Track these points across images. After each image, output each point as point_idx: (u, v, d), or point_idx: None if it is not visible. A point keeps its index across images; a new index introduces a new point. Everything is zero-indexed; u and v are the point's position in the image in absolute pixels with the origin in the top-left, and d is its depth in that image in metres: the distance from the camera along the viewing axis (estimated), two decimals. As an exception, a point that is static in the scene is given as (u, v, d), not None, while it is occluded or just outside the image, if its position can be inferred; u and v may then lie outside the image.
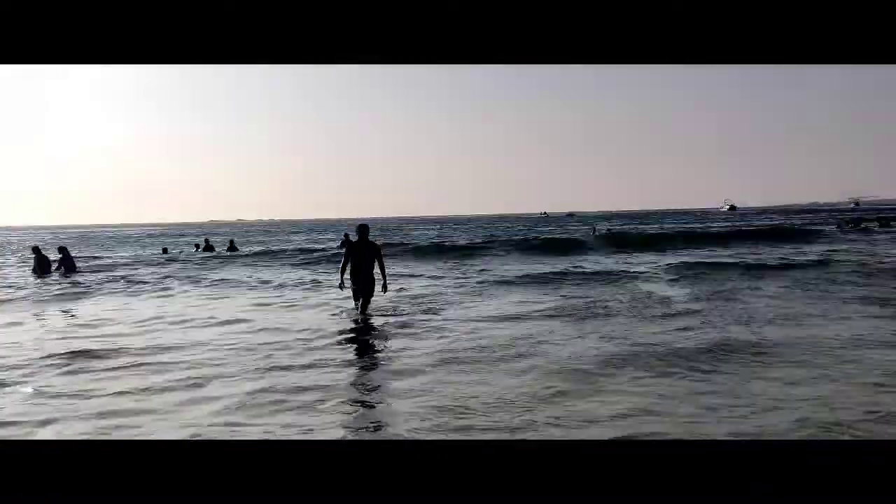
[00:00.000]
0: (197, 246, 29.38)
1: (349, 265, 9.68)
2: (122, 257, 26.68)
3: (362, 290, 9.65)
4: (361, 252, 9.70)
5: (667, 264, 15.64)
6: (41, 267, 18.74)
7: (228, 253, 26.38)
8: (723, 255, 19.28)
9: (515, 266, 17.28)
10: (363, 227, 10.01)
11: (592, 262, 17.70)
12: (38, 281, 17.09)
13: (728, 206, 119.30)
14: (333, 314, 9.78)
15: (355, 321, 9.03)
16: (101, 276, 17.63)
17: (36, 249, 19.73)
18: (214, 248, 28.31)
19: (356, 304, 9.71)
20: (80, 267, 19.93)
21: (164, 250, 28.60)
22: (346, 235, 32.53)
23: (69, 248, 20.87)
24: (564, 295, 11.18)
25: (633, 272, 14.47)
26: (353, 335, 8.07)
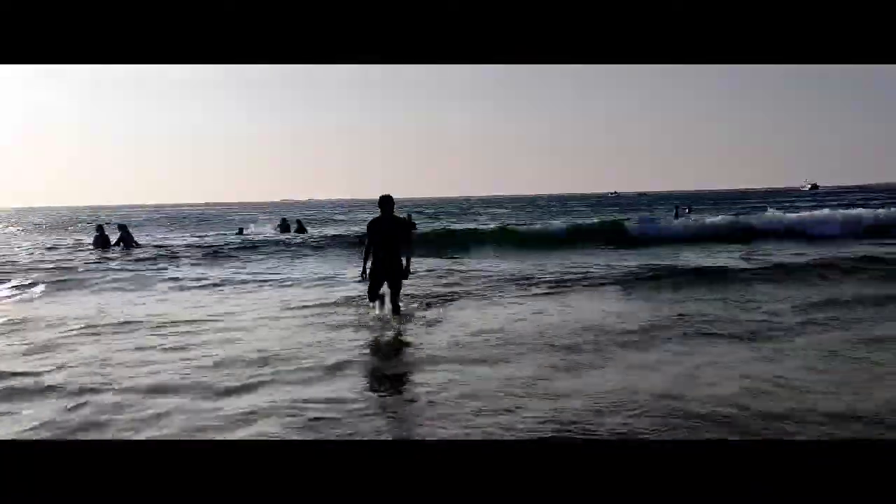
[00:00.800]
0: (279, 227, 29.44)
1: (372, 249, 7.81)
2: (192, 238, 26.79)
3: (389, 278, 7.78)
4: (387, 231, 7.75)
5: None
6: (102, 243, 20.23)
7: (298, 235, 26.05)
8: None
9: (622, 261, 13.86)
10: (385, 200, 7.82)
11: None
12: (101, 256, 18.26)
13: (810, 186, 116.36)
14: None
15: (379, 326, 7.38)
16: (162, 251, 18.36)
17: (100, 227, 21.46)
18: (290, 228, 28.20)
19: (371, 298, 7.84)
20: (140, 244, 21.25)
21: (240, 230, 28.13)
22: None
23: (129, 226, 22.49)
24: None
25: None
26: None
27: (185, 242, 23.30)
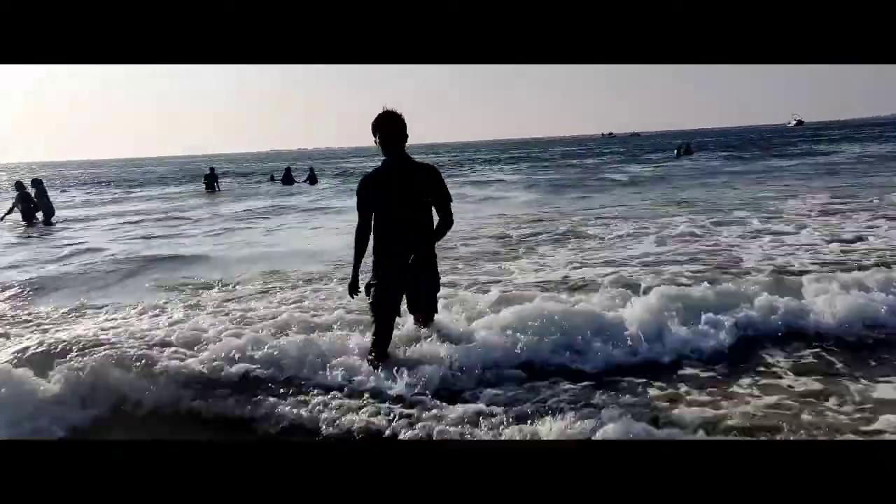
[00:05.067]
0: (272, 177, 27.84)
1: (370, 235, 4.03)
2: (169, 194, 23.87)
3: (415, 293, 4.07)
4: (401, 195, 3.89)
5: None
6: (25, 212, 14.93)
7: (309, 184, 24.52)
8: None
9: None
10: (391, 125, 3.88)
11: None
12: (26, 234, 13.30)
13: (796, 122, 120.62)
14: None
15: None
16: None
17: (19, 185, 15.33)
18: (294, 181, 26.22)
19: (377, 354, 4.04)
20: (57, 216, 15.82)
21: (209, 183, 25.84)
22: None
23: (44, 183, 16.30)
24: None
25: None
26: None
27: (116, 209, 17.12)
